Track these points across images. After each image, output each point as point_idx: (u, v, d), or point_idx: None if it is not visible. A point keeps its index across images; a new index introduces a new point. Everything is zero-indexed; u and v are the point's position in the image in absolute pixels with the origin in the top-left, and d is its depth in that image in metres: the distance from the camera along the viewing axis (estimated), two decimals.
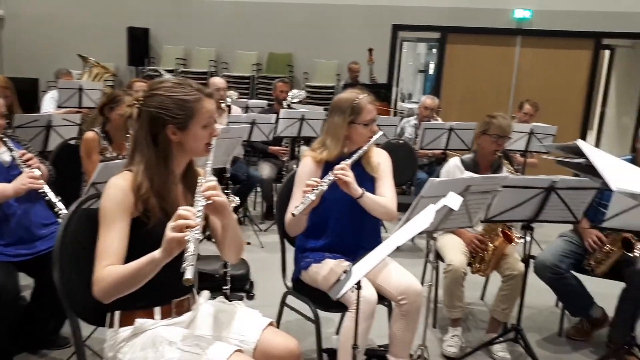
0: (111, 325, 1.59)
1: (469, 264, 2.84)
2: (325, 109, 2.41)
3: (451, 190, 1.94)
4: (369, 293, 2.10)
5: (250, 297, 3.38)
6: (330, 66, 8.38)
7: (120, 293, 1.46)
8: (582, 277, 2.87)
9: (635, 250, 2.60)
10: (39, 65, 8.47)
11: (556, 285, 2.86)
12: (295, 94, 5.28)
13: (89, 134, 2.98)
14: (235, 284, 3.22)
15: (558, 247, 2.88)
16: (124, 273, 1.43)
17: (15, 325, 2.32)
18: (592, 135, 9.49)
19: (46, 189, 2.28)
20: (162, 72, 6.65)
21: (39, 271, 2.37)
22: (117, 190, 1.53)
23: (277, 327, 2.19)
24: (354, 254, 2.22)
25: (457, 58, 8.24)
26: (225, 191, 3.56)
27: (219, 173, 3.92)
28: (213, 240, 1.77)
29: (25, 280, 2.50)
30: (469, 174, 2.34)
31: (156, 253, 1.39)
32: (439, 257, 2.91)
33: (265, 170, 4.94)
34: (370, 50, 7.76)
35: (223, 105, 4.76)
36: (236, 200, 3.65)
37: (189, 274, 1.30)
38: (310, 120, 4.65)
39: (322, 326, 2.31)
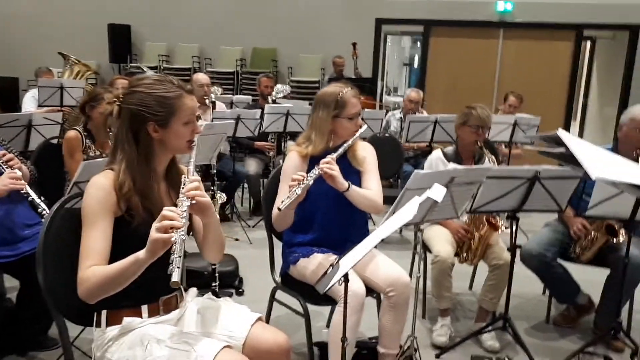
0: (98, 325, 1.58)
1: (457, 254, 2.86)
2: (311, 104, 2.40)
3: (436, 182, 1.95)
4: (357, 286, 2.11)
5: (240, 293, 3.37)
6: (315, 61, 8.37)
7: (105, 293, 1.45)
8: (568, 265, 2.91)
9: (619, 236, 2.64)
10: (18, 64, 8.34)
11: (543, 274, 2.90)
12: (280, 89, 5.27)
13: (71, 133, 2.94)
14: (224, 281, 3.21)
15: (544, 236, 2.91)
16: (109, 273, 1.42)
17: (1, 327, 2.29)
18: (575, 125, 9.60)
19: (28, 189, 2.25)
20: (145, 69, 6.58)
21: (23, 272, 2.34)
22: (98, 189, 1.51)
23: (267, 322, 2.20)
24: (342, 248, 2.22)
25: (441, 51, 8.27)
26: (212, 188, 3.55)
27: (204, 170, 3.92)
28: (196, 241, 1.75)
29: (11, 282, 2.47)
30: (453, 166, 2.35)
31: (140, 253, 1.38)
32: (426, 248, 2.93)
33: (251, 166, 4.92)
34: (355, 44, 7.76)
35: (207, 101, 4.74)
36: (223, 196, 3.64)
37: (175, 276, 1.29)
38: (296, 115, 4.65)
39: (312, 320, 2.31)
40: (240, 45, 8.54)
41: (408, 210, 1.65)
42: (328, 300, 2.17)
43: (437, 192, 1.76)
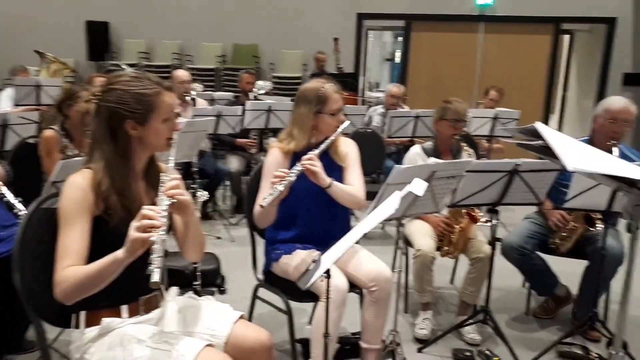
0: (77, 326, 1.56)
1: (438, 248, 2.88)
2: (293, 100, 2.40)
3: (416, 176, 1.95)
4: (339, 281, 2.11)
5: (222, 291, 3.35)
6: (296, 56, 8.34)
7: (82, 294, 1.43)
8: (547, 257, 2.95)
9: (597, 225, 2.69)
10: None
11: (522, 266, 2.94)
12: (261, 85, 5.25)
13: (48, 133, 2.89)
14: (206, 279, 3.18)
15: (523, 229, 2.95)
16: (86, 274, 1.40)
17: None
18: (554, 118, 9.73)
19: (4, 189, 2.21)
20: (124, 67, 6.49)
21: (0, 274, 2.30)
22: (76, 189, 1.49)
23: (249, 320, 2.20)
24: (325, 244, 2.22)
25: (422, 46, 8.30)
26: (193, 186, 3.52)
27: (185, 167, 3.89)
28: (175, 240, 1.74)
29: None
30: (433, 160, 2.37)
31: (119, 253, 1.36)
32: (408, 243, 2.94)
33: (233, 163, 4.89)
34: (336, 39, 7.75)
35: (188, 98, 4.70)
36: (204, 194, 3.61)
37: (155, 276, 1.28)
38: (278, 112, 4.63)
39: (295, 317, 2.31)
40: (220, 42, 8.47)
41: (389, 205, 1.65)
42: (311, 296, 2.17)
43: (418, 187, 1.77)
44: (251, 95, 5.14)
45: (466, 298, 2.86)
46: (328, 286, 1.81)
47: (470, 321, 2.77)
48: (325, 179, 2.19)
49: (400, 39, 10.28)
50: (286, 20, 8.29)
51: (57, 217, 1.49)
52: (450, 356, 2.64)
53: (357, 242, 2.19)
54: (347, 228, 2.34)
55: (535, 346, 2.73)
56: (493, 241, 2.67)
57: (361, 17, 8.27)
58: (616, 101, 2.77)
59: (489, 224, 2.72)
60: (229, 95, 6.08)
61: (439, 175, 2.27)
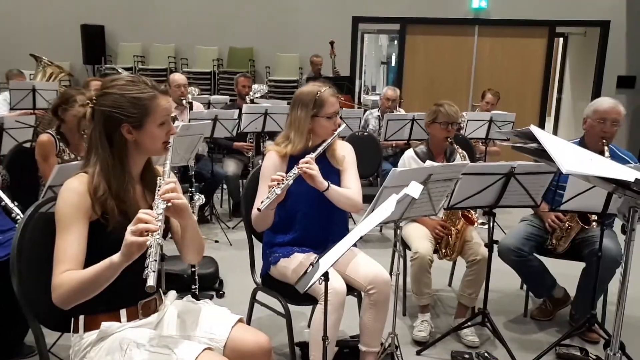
0: (76, 331, 1.56)
1: (436, 251, 2.89)
2: (289, 103, 2.41)
3: (413, 179, 1.97)
4: (337, 284, 2.11)
5: (220, 295, 3.35)
6: (292, 60, 8.35)
7: (80, 299, 1.42)
8: (544, 260, 2.97)
9: (592, 223, 2.72)
10: None
11: (520, 268, 2.95)
12: (257, 88, 5.25)
13: (43, 137, 2.89)
14: (204, 283, 3.19)
15: (520, 231, 2.96)
16: (83, 278, 1.39)
17: None
18: (550, 120, 9.79)
19: (0, 194, 2.20)
20: (120, 70, 6.49)
21: None
22: (72, 193, 1.49)
23: (248, 323, 2.20)
24: (323, 247, 2.22)
25: (417, 49, 8.34)
26: (190, 189, 3.52)
27: (182, 171, 3.89)
28: (174, 242, 1.74)
29: None
30: (430, 163, 2.38)
31: (115, 257, 1.36)
32: (405, 245, 2.95)
33: (230, 167, 4.90)
34: (332, 43, 7.77)
35: (184, 102, 4.70)
36: (202, 198, 3.61)
37: (151, 280, 1.27)
38: (274, 115, 4.63)
39: (294, 320, 2.31)
40: (216, 45, 8.47)
41: (386, 208, 1.66)
42: (309, 299, 2.18)
43: (414, 189, 1.78)
44: (247, 98, 5.14)
45: (464, 300, 2.87)
46: (326, 289, 1.82)
47: (469, 323, 2.78)
48: (323, 182, 2.19)
49: (395, 42, 10.31)
50: (282, 23, 8.30)
51: (54, 221, 1.49)
52: (449, 359, 2.65)
53: (355, 245, 2.20)
54: (344, 231, 2.35)
55: (533, 348, 2.73)
56: (490, 243, 2.68)
57: (357, 20, 8.30)
58: (604, 102, 2.82)
59: (485, 226, 2.73)
60: (225, 98, 6.08)
61: (436, 178, 2.28)
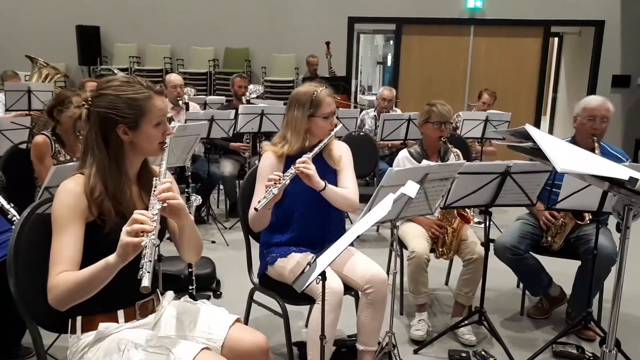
0: (73, 331, 1.55)
1: (432, 250, 2.90)
2: (285, 103, 2.41)
3: (410, 178, 1.97)
4: (335, 284, 2.12)
5: (217, 295, 3.35)
6: (289, 60, 8.36)
7: (75, 300, 1.42)
8: (541, 258, 2.98)
9: (585, 219, 2.75)
10: None
11: (516, 266, 2.96)
12: (252, 89, 5.25)
13: (39, 138, 2.88)
14: (201, 284, 3.19)
15: (516, 229, 2.97)
16: (79, 279, 1.39)
17: None
18: (545, 120, 9.83)
19: None
20: (116, 71, 6.47)
21: None
22: (68, 194, 1.49)
23: (246, 323, 2.20)
24: (320, 247, 2.24)
25: (413, 49, 8.35)
26: (187, 190, 3.52)
27: (179, 172, 3.88)
28: (173, 242, 1.74)
29: None
30: (426, 162, 2.39)
31: (111, 258, 1.36)
32: (402, 245, 2.96)
33: (227, 167, 4.89)
34: (328, 43, 7.78)
35: (180, 102, 4.69)
36: (198, 199, 3.61)
37: (146, 281, 1.27)
38: (270, 115, 4.64)
39: (292, 320, 2.31)
40: (212, 46, 8.47)
41: (382, 207, 1.67)
42: (306, 299, 2.18)
43: (411, 189, 1.79)
44: (244, 99, 5.14)
45: (461, 299, 2.88)
46: (324, 289, 1.82)
47: (466, 322, 2.79)
48: (320, 182, 2.20)
49: (391, 42, 10.32)
50: (278, 24, 8.31)
51: (51, 222, 1.49)
52: (446, 357, 2.65)
53: (352, 245, 2.20)
54: (341, 230, 2.36)
55: (530, 346, 2.75)
56: (487, 242, 2.69)
57: (352, 20, 8.31)
58: (593, 99, 2.87)
59: (482, 225, 2.74)
60: (221, 99, 6.08)
61: (432, 178, 2.28)
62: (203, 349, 1.50)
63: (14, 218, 2.16)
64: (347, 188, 2.33)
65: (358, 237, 1.74)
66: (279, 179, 2.10)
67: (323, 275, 1.72)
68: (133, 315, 1.59)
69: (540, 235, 2.95)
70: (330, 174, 2.34)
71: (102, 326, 1.52)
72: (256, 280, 2.45)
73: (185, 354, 1.46)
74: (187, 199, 3.45)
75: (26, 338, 2.47)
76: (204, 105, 5.51)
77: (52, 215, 1.49)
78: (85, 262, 1.45)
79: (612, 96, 7.90)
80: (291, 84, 8.06)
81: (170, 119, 3.62)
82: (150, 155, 1.64)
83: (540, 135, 1.34)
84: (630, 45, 7.90)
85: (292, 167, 2.15)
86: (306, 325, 2.76)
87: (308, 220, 2.34)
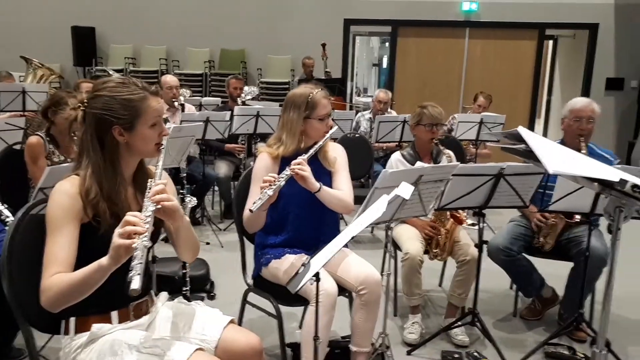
0: (66, 333, 1.55)
1: (426, 251, 2.91)
2: (281, 105, 2.42)
3: (404, 180, 1.98)
4: (329, 285, 2.12)
5: (212, 297, 3.35)
6: (284, 62, 8.37)
7: (69, 302, 1.42)
8: (533, 260, 3.00)
9: (575, 217, 2.79)
10: None
11: (509, 267, 2.98)
12: (247, 90, 5.25)
13: (33, 139, 2.88)
14: (195, 285, 3.19)
15: (509, 231, 2.99)
16: (72, 281, 1.39)
17: None
18: (540, 122, 9.87)
19: None
20: (111, 72, 6.46)
21: None
22: (63, 195, 1.48)
23: (239, 324, 2.20)
24: (314, 248, 2.23)
25: (409, 51, 8.38)
26: (182, 191, 3.52)
27: (174, 173, 3.88)
28: (170, 242, 1.74)
29: None
30: (420, 164, 2.40)
31: (103, 260, 1.35)
32: (396, 246, 2.97)
33: (222, 168, 4.89)
34: (324, 45, 7.79)
35: (176, 103, 4.69)
36: (193, 200, 3.61)
37: (135, 284, 1.26)
38: (266, 117, 4.64)
39: (285, 321, 2.32)
40: (208, 47, 8.47)
41: (376, 209, 1.68)
42: (300, 300, 2.19)
43: (405, 190, 1.80)
44: (239, 100, 5.14)
45: (454, 300, 2.89)
46: (317, 290, 1.83)
47: (459, 323, 2.80)
48: (315, 184, 2.21)
49: (387, 44, 10.35)
50: (274, 25, 8.32)
51: (45, 223, 1.49)
52: (439, 358, 2.66)
53: (346, 246, 2.21)
54: (336, 232, 2.36)
55: (522, 347, 2.76)
56: (480, 244, 2.70)
57: (348, 22, 8.33)
58: (578, 101, 2.94)
59: (476, 227, 2.75)
60: (216, 100, 6.08)
61: (426, 179, 2.30)
62: (197, 349, 1.50)
63: (8, 219, 2.16)
64: (342, 190, 2.34)
65: (352, 238, 1.75)
66: (274, 181, 2.10)
67: (317, 276, 1.72)
68: (127, 316, 1.59)
69: (533, 236, 2.97)
70: (325, 175, 2.35)
71: (96, 327, 1.52)
72: (250, 281, 2.45)
73: (179, 354, 1.46)
74: (182, 200, 3.45)
75: (19, 339, 2.47)
76: (199, 107, 5.51)
77: (46, 216, 1.49)
78: (80, 263, 1.45)
79: (606, 99, 7.97)
80: (287, 86, 8.07)
81: (166, 120, 3.61)
82: (147, 157, 1.64)
83: (532, 138, 1.35)
84: (624, 49, 7.96)
85: (287, 169, 2.16)
86: (300, 327, 2.76)
87: (303, 221, 2.35)
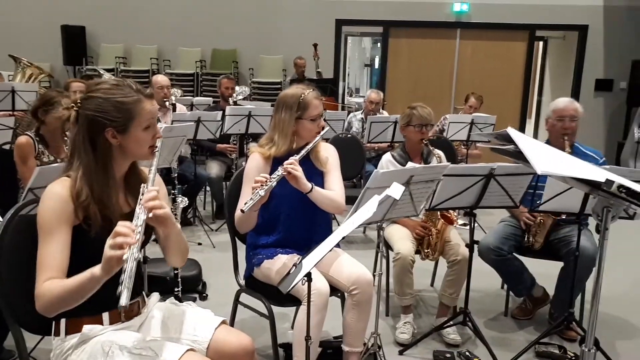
0: (57, 334, 1.54)
1: (418, 251, 2.92)
2: (272, 105, 2.42)
3: (395, 180, 1.99)
4: (321, 285, 2.13)
5: (203, 297, 3.34)
6: (276, 62, 8.36)
7: (63, 308, 1.42)
8: (524, 260, 3.02)
9: (561, 215, 2.82)
10: None
11: (500, 267, 3.00)
12: (238, 90, 5.24)
13: (22, 139, 2.86)
14: (187, 286, 3.18)
15: (499, 231, 3.01)
16: (65, 289, 1.38)
17: None
18: (530, 123, 9.94)
19: None
20: (101, 72, 6.42)
21: None
22: (55, 199, 1.47)
23: (232, 325, 2.20)
24: (306, 248, 2.23)
25: (400, 52, 8.41)
26: (173, 192, 3.50)
27: (165, 173, 3.87)
28: (159, 245, 1.73)
29: None
30: (411, 165, 2.41)
31: (96, 270, 1.34)
32: (389, 246, 2.98)
33: (213, 168, 4.88)
34: (315, 45, 7.80)
35: (167, 103, 4.68)
36: (185, 200, 3.60)
37: (123, 299, 1.24)
38: (258, 117, 4.64)
39: (278, 322, 2.32)
40: (199, 47, 8.44)
41: (367, 209, 1.68)
42: (293, 301, 2.19)
43: (396, 190, 1.80)
44: (230, 100, 5.13)
45: (445, 300, 2.90)
46: (309, 289, 1.83)
47: (450, 323, 2.81)
48: (306, 184, 2.21)
49: (379, 44, 10.37)
50: (265, 25, 8.31)
51: (36, 225, 1.47)
52: (431, 358, 2.67)
53: (338, 246, 2.22)
54: (328, 232, 2.36)
55: (513, 346, 2.78)
56: (471, 244, 2.72)
57: (340, 23, 8.34)
58: (560, 101, 2.99)
59: (467, 227, 2.77)
60: (208, 100, 6.06)
61: (417, 180, 2.31)
62: (188, 350, 1.50)
63: None
64: (333, 190, 2.34)
65: (344, 238, 1.76)
66: (266, 181, 2.10)
67: (309, 276, 1.73)
68: (118, 317, 1.59)
69: (523, 236, 2.99)
70: (317, 175, 2.35)
71: (87, 328, 1.51)
72: (242, 282, 2.45)
73: (170, 355, 1.45)
74: (174, 201, 3.43)
75: (9, 340, 2.45)
76: (191, 107, 5.49)
77: (37, 220, 1.47)
78: (71, 265, 1.44)
79: (595, 100, 8.04)
80: (278, 86, 8.07)
81: (157, 120, 3.60)
82: (141, 159, 1.62)
83: (521, 138, 1.37)
84: (613, 50, 8.04)
85: (279, 169, 2.16)
86: (292, 327, 2.77)
87: (294, 222, 2.35)
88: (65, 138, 2.88)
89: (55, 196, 1.47)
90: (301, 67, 7.56)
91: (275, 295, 2.12)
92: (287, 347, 2.50)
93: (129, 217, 1.47)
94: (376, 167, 4.28)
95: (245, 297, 2.43)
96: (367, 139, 4.93)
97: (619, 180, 1.21)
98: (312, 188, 2.22)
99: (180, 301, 1.81)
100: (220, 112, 4.70)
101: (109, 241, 1.31)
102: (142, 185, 1.51)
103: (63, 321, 1.53)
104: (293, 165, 2.16)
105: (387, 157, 3.10)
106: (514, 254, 2.97)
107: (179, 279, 2.95)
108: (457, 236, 2.93)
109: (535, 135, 9.37)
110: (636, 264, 4.14)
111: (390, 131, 4.90)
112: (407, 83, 8.35)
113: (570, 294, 2.73)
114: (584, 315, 2.98)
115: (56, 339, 1.55)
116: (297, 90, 2.33)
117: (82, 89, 3.61)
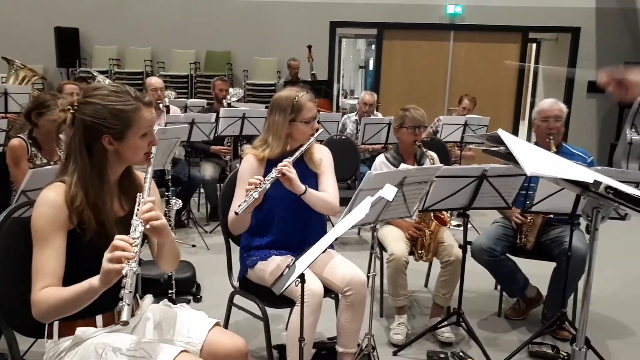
0: (50, 336, 1.54)
1: (412, 252, 2.93)
2: (267, 107, 2.43)
3: (388, 182, 2.00)
4: (315, 286, 2.13)
5: (197, 299, 3.34)
6: (270, 63, 8.36)
7: (60, 315, 1.43)
8: (517, 260, 3.03)
9: (550, 214, 2.84)
10: None
11: (493, 267, 3.01)
12: (232, 92, 5.24)
13: (14, 142, 2.85)
14: (181, 288, 3.18)
15: (492, 232, 3.03)
16: (63, 298, 1.39)
17: None
18: (524, 124, 9.98)
19: None
20: (95, 74, 6.41)
21: None
22: (49, 207, 1.46)
23: (226, 327, 2.20)
24: (300, 250, 2.23)
25: (394, 53, 8.43)
26: (167, 194, 3.50)
27: (159, 175, 3.86)
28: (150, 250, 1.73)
29: None
30: (404, 166, 2.42)
31: (94, 281, 1.35)
32: (382, 247, 2.99)
33: (207, 170, 4.88)
34: (310, 47, 7.81)
35: (161, 105, 4.67)
36: (179, 202, 3.60)
37: (125, 315, 1.26)
38: (252, 119, 4.64)
39: (272, 323, 2.32)
40: (193, 48, 8.43)
41: (360, 210, 1.69)
42: (286, 302, 2.19)
43: (388, 192, 1.81)
44: (224, 102, 5.13)
45: (439, 300, 2.92)
46: (302, 291, 1.84)
47: (444, 323, 2.82)
48: (300, 186, 2.22)
49: (373, 46, 10.40)
50: (259, 27, 8.30)
51: (28, 227, 1.47)
52: (425, 358, 2.68)
53: (332, 247, 2.22)
54: (322, 234, 2.35)
55: (507, 346, 2.79)
56: (464, 245, 2.73)
57: (334, 25, 8.36)
58: (545, 102, 3.03)
59: (461, 228, 2.78)
60: (202, 102, 6.06)
61: (410, 181, 2.32)
62: (182, 351, 1.50)
63: None
64: (327, 192, 2.35)
65: (336, 239, 1.76)
66: (260, 183, 2.11)
67: (302, 277, 1.73)
68: (112, 320, 1.58)
69: (515, 237, 3.01)
70: (311, 177, 2.36)
71: (80, 331, 1.51)
72: (236, 283, 2.45)
73: (164, 356, 1.45)
74: (167, 203, 3.43)
75: (2, 343, 2.43)
76: (185, 109, 5.49)
77: (32, 226, 1.47)
78: (66, 270, 1.45)
79: (588, 101, 8.09)
80: (273, 88, 8.07)
81: None
82: (136, 165, 1.62)
83: (511, 140, 1.38)
84: (606, 52, 8.09)
85: (273, 171, 2.17)
86: (286, 329, 2.77)
87: (288, 223, 2.35)
88: (59, 141, 2.88)
89: (50, 202, 1.47)
90: (295, 68, 7.57)
91: (269, 296, 2.12)
92: (281, 348, 2.50)
93: (123, 221, 1.47)
94: (370, 169, 4.30)
95: (239, 299, 2.44)
96: (361, 141, 4.94)
97: (606, 181, 1.23)
98: (305, 190, 2.23)
99: (174, 303, 1.81)
100: (214, 114, 4.71)
101: (107, 255, 1.32)
102: (138, 195, 1.51)
103: (56, 324, 1.53)
104: (287, 167, 2.17)
105: (380, 158, 3.11)
106: (507, 254, 2.98)
107: (173, 281, 2.94)
108: (450, 237, 2.94)
109: (529, 137, 9.41)
110: (626, 264, 4.17)
111: (384, 133, 4.91)
112: (401, 85, 8.38)
113: (563, 294, 2.75)
114: (577, 315, 3.00)
115: (49, 341, 1.54)
116: (291, 92, 2.34)
117: (76, 91, 3.60)
